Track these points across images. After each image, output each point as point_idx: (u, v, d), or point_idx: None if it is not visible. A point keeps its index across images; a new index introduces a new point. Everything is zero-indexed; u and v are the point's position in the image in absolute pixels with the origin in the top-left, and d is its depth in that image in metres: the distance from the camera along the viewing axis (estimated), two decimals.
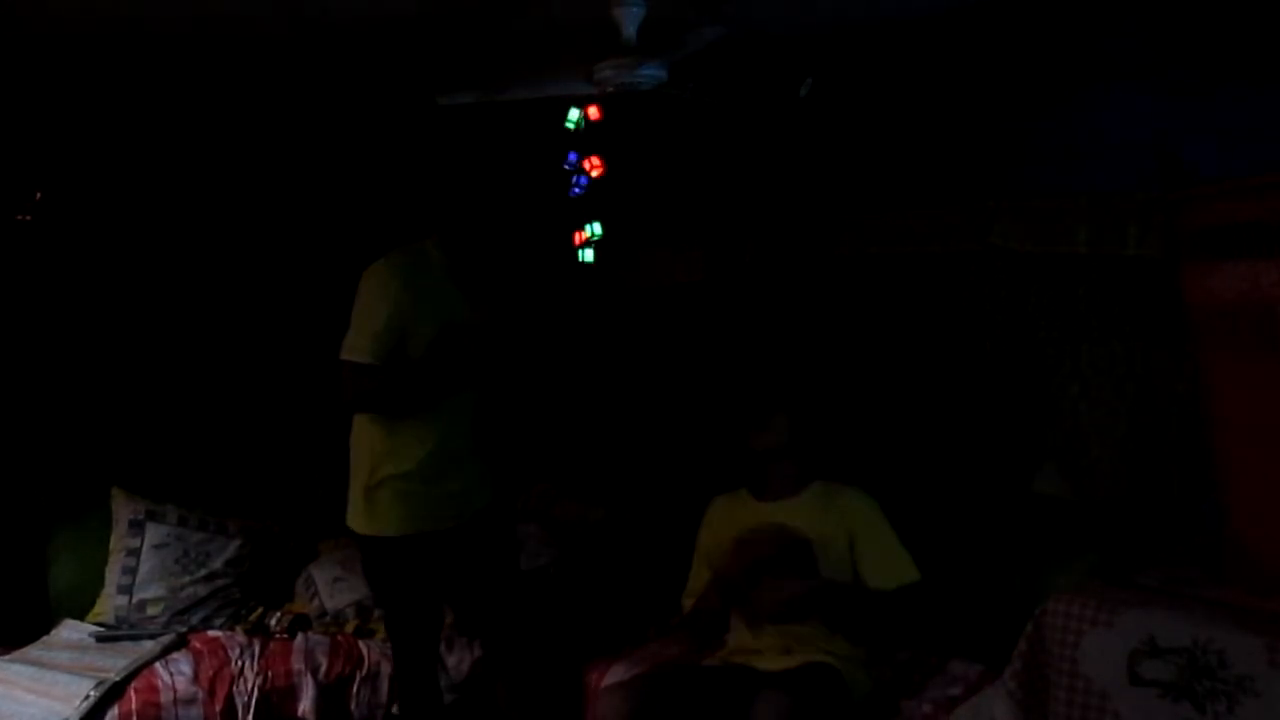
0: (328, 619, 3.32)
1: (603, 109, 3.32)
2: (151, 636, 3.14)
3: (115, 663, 2.93)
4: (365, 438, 2.63)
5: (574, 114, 3.38)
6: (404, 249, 2.62)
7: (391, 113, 3.69)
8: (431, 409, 2.58)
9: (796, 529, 2.57)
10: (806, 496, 2.70)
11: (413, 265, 2.58)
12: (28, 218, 3.45)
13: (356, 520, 2.65)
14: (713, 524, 2.81)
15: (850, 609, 2.52)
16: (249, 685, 2.99)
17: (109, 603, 3.28)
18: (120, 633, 3.19)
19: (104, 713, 2.74)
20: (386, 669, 3.10)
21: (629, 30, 2.46)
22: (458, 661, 3.17)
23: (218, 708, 2.92)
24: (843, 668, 2.45)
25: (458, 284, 2.63)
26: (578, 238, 3.65)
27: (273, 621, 3.27)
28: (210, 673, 2.97)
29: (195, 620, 3.27)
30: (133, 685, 2.84)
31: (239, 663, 3.02)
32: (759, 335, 3.67)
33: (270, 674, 3.03)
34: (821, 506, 2.66)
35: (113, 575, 3.31)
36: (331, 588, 3.40)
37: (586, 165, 3.46)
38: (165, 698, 2.85)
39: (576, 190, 3.48)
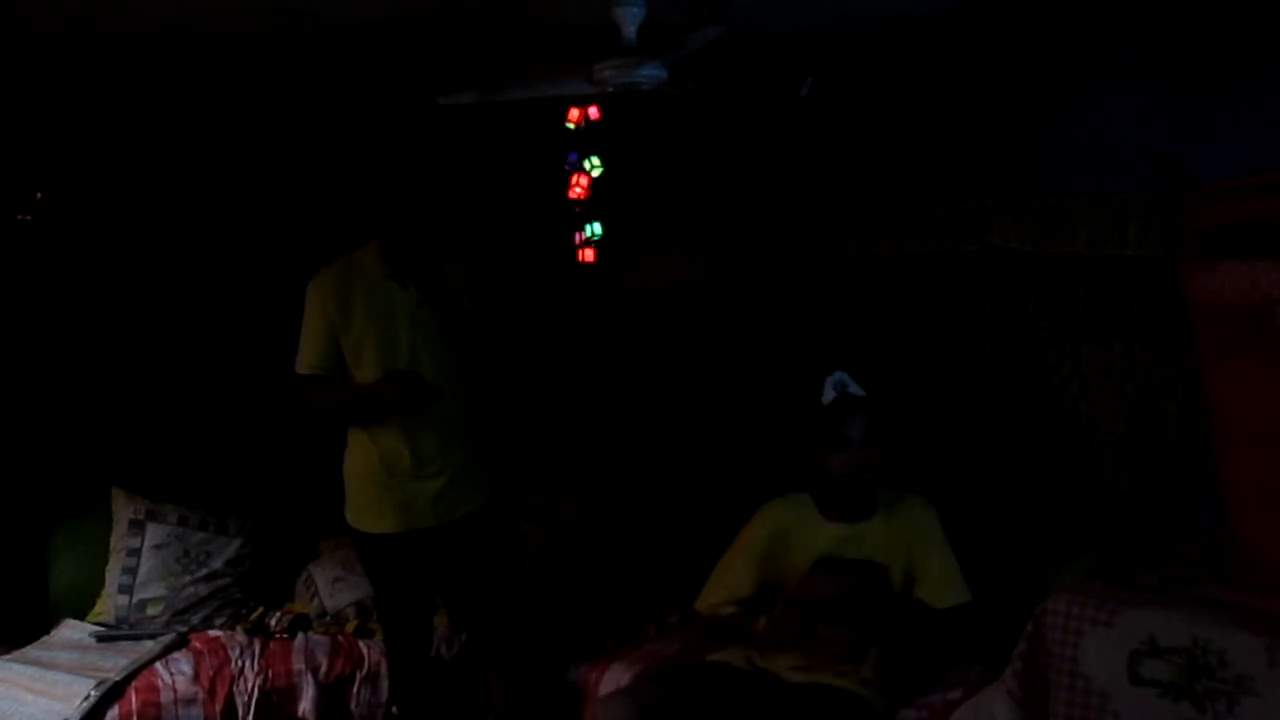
0: (328, 619, 3.32)
1: (601, 109, 3.33)
2: (152, 636, 3.15)
3: (115, 662, 2.93)
4: (355, 434, 2.72)
5: (574, 114, 3.39)
6: (334, 261, 2.70)
7: (379, 113, 3.70)
8: (405, 415, 2.62)
9: (873, 558, 2.51)
10: (880, 519, 2.58)
11: (337, 276, 2.66)
12: (28, 218, 3.44)
13: (348, 514, 2.76)
14: (773, 531, 2.65)
15: (907, 630, 2.48)
16: (249, 685, 2.99)
17: (109, 602, 3.28)
18: (120, 632, 3.19)
19: (104, 712, 2.74)
20: (386, 669, 3.10)
21: (629, 30, 2.46)
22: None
23: (218, 707, 2.92)
24: (868, 694, 2.41)
25: (403, 283, 2.65)
26: (578, 238, 3.65)
27: (273, 621, 3.27)
28: (210, 672, 2.97)
29: (195, 620, 3.27)
30: (133, 685, 2.84)
31: (239, 662, 3.02)
32: (727, 332, 3.67)
33: (270, 674, 3.03)
34: (891, 525, 2.56)
35: (113, 575, 3.31)
36: (331, 587, 3.40)
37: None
38: (165, 697, 2.86)
39: (576, 190, 3.48)
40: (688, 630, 2.94)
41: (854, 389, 2.62)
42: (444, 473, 2.69)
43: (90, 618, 3.28)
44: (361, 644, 3.18)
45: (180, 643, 3.10)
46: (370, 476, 2.69)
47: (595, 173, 3.56)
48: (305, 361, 2.69)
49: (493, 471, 2.86)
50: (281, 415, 3.55)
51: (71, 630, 3.21)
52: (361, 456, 2.71)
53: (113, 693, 2.78)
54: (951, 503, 2.97)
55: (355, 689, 3.11)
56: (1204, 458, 2.43)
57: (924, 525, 2.56)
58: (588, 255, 3.71)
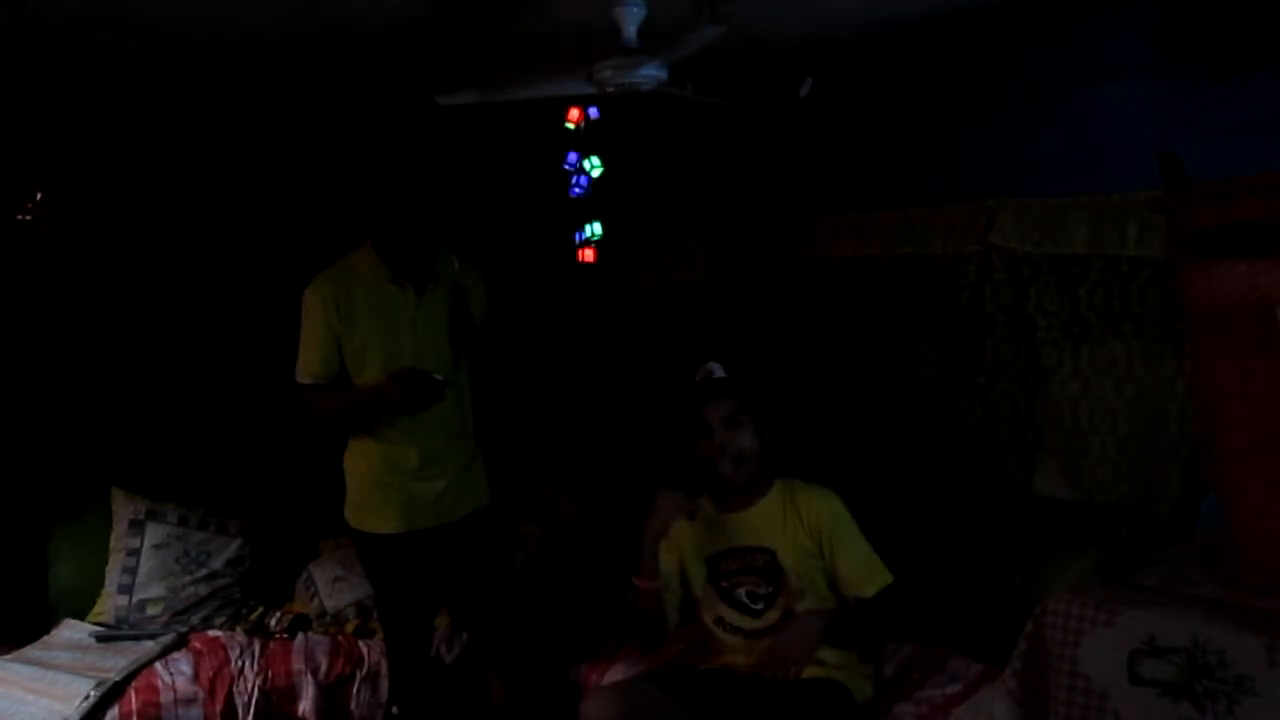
0: (328, 619, 3.32)
1: (599, 110, 3.33)
2: (151, 636, 3.15)
3: (115, 663, 2.93)
4: (357, 435, 2.71)
5: (574, 114, 3.39)
6: (332, 265, 2.67)
7: (379, 114, 3.70)
8: (410, 414, 2.60)
9: (759, 541, 2.48)
10: (768, 501, 2.53)
11: (335, 281, 2.63)
12: (28, 218, 3.45)
13: (348, 514, 2.75)
14: (674, 536, 2.49)
15: (847, 631, 2.43)
16: (249, 685, 2.99)
17: (109, 602, 3.28)
18: (120, 632, 3.20)
19: (104, 713, 2.75)
20: (386, 669, 3.10)
21: (629, 30, 2.46)
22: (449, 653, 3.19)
23: (218, 708, 2.92)
24: (846, 679, 2.40)
25: (401, 285, 2.64)
26: (581, 255, 3.64)
27: (273, 621, 3.27)
28: (210, 673, 2.97)
29: (195, 620, 3.27)
30: (133, 685, 2.84)
31: (239, 663, 3.02)
32: (728, 332, 3.67)
33: (270, 674, 3.03)
34: (784, 510, 2.50)
35: (113, 575, 3.31)
36: (331, 587, 3.40)
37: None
38: (165, 698, 2.86)
39: (576, 190, 3.48)
40: (688, 631, 2.93)
41: (718, 373, 2.59)
42: (446, 473, 2.69)
43: (90, 618, 3.28)
44: (361, 644, 3.18)
45: (180, 643, 3.10)
46: (371, 477, 2.68)
47: (595, 173, 3.56)
48: (307, 370, 2.64)
49: (492, 472, 2.86)
50: (281, 416, 3.55)
51: (71, 630, 3.21)
52: (363, 457, 2.70)
53: (113, 693, 2.78)
54: (952, 502, 2.99)
55: (355, 689, 3.11)
56: (1204, 458, 2.43)
57: (830, 517, 2.47)
58: (588, 255, 3.70)
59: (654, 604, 2.49)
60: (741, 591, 2.49)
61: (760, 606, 2.47)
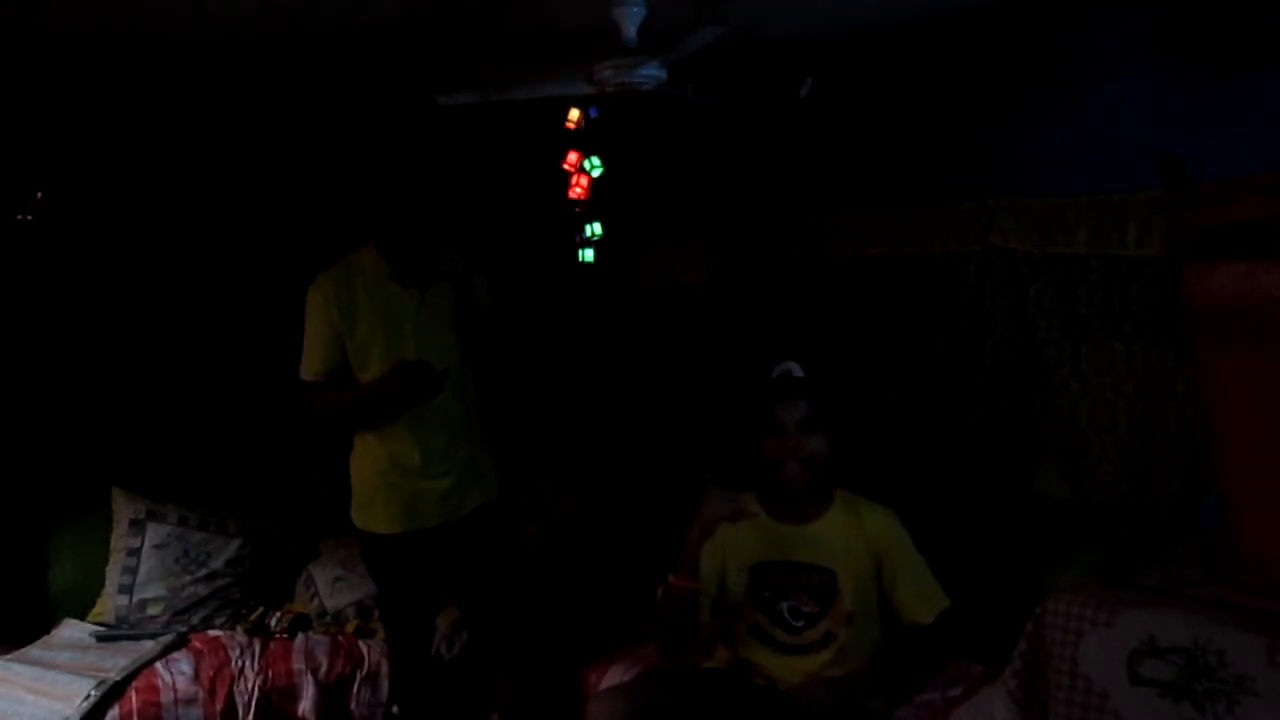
0: (328, 619, 3.32)
1: (600, 110, 3.33)
2: (152, 636, 3.15)
3: (115, 662, 2.93)
4: (361, 434, 2.71)
5: (574, 114, 3.39)
6: (335, 264, 2.67)
7: (379, 113, 3.71)
8: (414, 412, 2.60)
9: (819, 560, 2.41)
10: (831, 518, 2.45)
11: (338, 280, 2.63)
12: (28, 218, 3.45)
13: (353, 513, 2.75)
14: (718, 536, 2.39)
15: (899, 664, 2.42)
16: (249, 685, 2.99)
17: (109, 602, 3.28)
18: (120, 632, 3.19)
19: (104, 712, 2.75)
20: (387, 669, 3.10)
21: (629, 30, 2.46)
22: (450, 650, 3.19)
23: (218, 707, 2.92)
24: (867, 698, 2.37)
25: (404, 283, 2.64)
26: (578, 238, 3.65)
27: (273, 621, 3.27)
28: (210, 672, 2.97)
29: (196, 620, 3.27)
30: (133, 685, 2.84)
31: (239, 662, 3.02)
32: (774, 337, 3.66)
33: (270, 674, 3.03)
34: (848, 530, 2.43)
35: (113, 575, 3.31)
36: (331, 587, 3.40)
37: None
38: (166, 697, 2.86)
39: (576, 190, 3.49)
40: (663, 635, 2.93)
41: (796, 373, 2.53)
42: (451, 472, 2.68)
43: (90, 618, 3.28)
44: (361, 644, 3.18)
45: (180, 643, 3.10)
46: (376, 476, 2.68)
47: (595, 173, 3.56)
48: (310, 368, 2.65)
49: (497, 469, 2.86)
50: (281, 415, 3.55)
51: (71, 630, 3.21)
52: (368, 457, 2.70)
53: (113, 693, 2.78)
54: (952, 503, 2.98)
55: (355, 689, 3.11)
56: (1204, 458, 2.43)
57: (892, 539, 2.43)
58: (588, 255, 3.71)
59: (686, 604, 2.39)
60: (784, 605, 2.43)
61: (801, 624, 2.41)
